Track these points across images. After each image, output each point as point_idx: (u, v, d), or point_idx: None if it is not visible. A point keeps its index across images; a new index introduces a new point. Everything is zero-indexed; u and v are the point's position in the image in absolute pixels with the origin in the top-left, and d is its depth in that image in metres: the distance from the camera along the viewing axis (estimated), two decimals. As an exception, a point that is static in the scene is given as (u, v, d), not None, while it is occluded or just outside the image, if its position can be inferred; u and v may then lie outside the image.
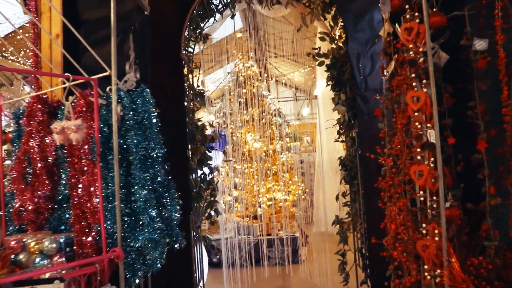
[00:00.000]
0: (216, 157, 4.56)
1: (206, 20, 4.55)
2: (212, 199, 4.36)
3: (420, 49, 2.17)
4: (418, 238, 2.25)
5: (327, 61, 4.35)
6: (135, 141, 2.13)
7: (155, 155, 2.15)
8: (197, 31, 4.36)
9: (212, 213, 4.49)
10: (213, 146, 4.35)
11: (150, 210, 2.12)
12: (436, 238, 2.08)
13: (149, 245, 2.10)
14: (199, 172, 4.36)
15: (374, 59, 3.99)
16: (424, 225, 2.12)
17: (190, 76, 4.51)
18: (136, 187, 2.11)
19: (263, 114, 7.51)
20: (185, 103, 4.21)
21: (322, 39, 4.50)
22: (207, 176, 4.40)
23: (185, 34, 4.27)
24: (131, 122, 2.15)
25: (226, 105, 7.70)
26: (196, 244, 4.20)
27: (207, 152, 4.32)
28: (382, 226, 2.46)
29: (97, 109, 2.20)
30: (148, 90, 2.22)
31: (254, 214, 7.32)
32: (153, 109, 2.19)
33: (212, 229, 7.45)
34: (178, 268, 3.46)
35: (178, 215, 2.23)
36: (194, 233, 4.18)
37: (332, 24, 4.25)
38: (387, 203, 2.55)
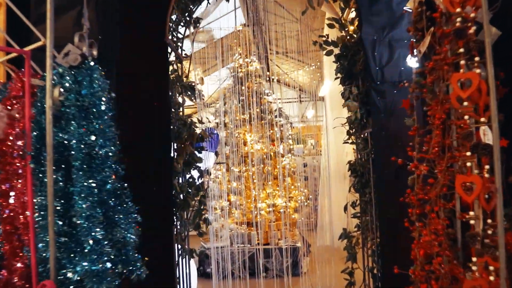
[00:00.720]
0: (207, 159, 3.98)
1: (198, 3, 3.97)
2: (201, 206, 3.77)
3: (472, 15, 1.58)
4: (459, 272, 1.66)
5: (336, 51, 3.77)
6: (77, 135, 1.55)
7: (103, 155, 1.57)
8: (186, 14, 3.78)
9: (205, 223, 3.90)
10: (203, 146, 3.77)
11: (95, 229, 1.54)
12: (491, 277, 1.48)
13: (93, 277, 1.52)
14: (187, 176, 3.78)
15: (393, 46, 3.40)
16: (474, 258, 1.52)
17: (179, 66, 3.94)
18: (77, 197, 1.54)
19: (263, 114, 6.93)
20: (172, 96, 3.64)
21: (330, 26, 3.91)
22: (196, 180, 3.82)
23: (172, 17, 3.70)
24: (73, 109, 1.58)
25: (224, 103, 7.14)
26: (182, 258, 3.62)
27: (196, 152, 3.74)
28: (413, 256, 1.86)
29: (29, 91, 1.63)
30: (98, 67, 1.63)
31: (251, 221, 6.73)
32: (104, 93, 1.61)
33: (207, 236, 6.86)
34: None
35: (135, 237, 1.65)
36: (179, 246, 3.60)
37: (343, 6, 3.66)
38: (415, 223, 1.96)
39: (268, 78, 7.74)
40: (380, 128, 3.31)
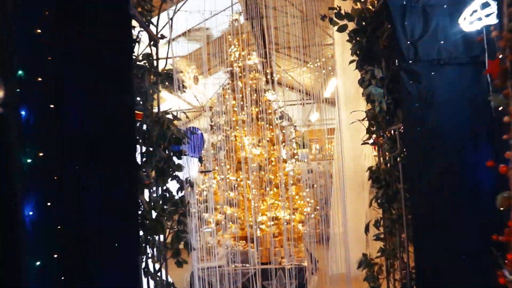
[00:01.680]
0: (190, 166, 3.14)
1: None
2: (181, 227, 2.94)
3: None
4: None
5: (352, 25, 2.95)
6: None
7: None
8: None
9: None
10: (183, 150, 2.94)
11: None
12: None
13: None
14: (163, 188, 2.95)
15: (428, 14, 2.55)
16: None
17: (153, 50, 3.14)
18: None
19: (262, 114, 6.09)
20: (141, 86, 2.83)
21: (342, -5, 3.10)
22: (176, 194, 3.00)
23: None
24: None
25: (221, 103, 6.32)
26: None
27: (175, 158, 2.92)
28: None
29: None
30: None
31: (251, 236, 5.87)
32: None
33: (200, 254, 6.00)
34: None
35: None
36: (152, 281, 2.77)
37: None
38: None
39: (267, 75, 6.92)
40: (414, 123, 2.47)
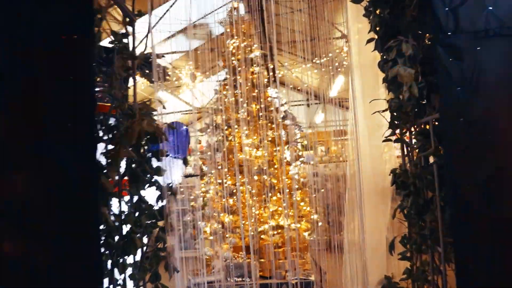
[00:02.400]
0: (170, 169, 2.57)
1: None
2: (159, 245, 2.39)
3: None
4: None
5: (369, -5, 2.39)
6: None
7: None
8: None
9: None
10: (163, 150, 2.39)
11: None
12: None
13: None
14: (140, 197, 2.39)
15: (472, -28, 2.03)
16: None
17: (128, 29, 2.59)
18: None
19: (263, 112, 5.53)
20: (108, 70, 2.28)
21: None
22: (154, 204, 2.44)
23: None
24: None
25: (218, 99, 5.78)
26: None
27: (150, 159, 2.37)
28: None
29: None
30: None
31: (252, 247, 5.29)
32: None
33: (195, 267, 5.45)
34: None
35: None
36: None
37: None
38: None
39: (269, 70, 6.35)
40: (455, 113, 1.90)
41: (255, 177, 5.30)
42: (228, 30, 6.05)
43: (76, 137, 1.87)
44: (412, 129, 2.27)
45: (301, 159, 5.88)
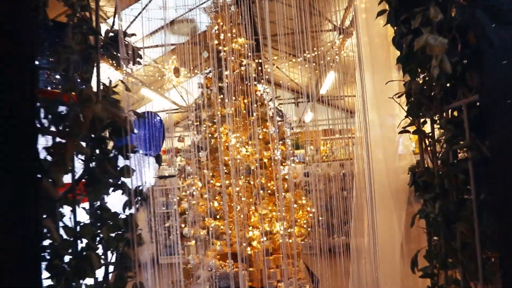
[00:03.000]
0: (141, 168, 2.09)
1: None
2: (126, 263, 1.92)
3: None
4: None
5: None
6: None
7: None
8: None
9: None
10: (131, 145, 1.92)
11: None
12: None
13: None
14: (100, 204, 1.92)
15: None
16: None
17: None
18: None
19: (252, 106, 5.08)
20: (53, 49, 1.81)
21: None
22: (120, 212, 1.98)
23: None
24: None
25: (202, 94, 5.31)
26: None
27: (116, 157, 1.90)
28: None
29: None
30: None
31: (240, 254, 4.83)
32: None
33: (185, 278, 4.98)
34: None
35: None
36: None
37: None
38: None
39: (257, 64, 5.91)
40: (500, 93, 1.49)
41: (242, 178, 4.85)
42: (214, 19, 5.59)
43: (8, 128, 1.39)
44: (436, 118, 1.85)
45: (293, 158, 5.45)
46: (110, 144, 1.97)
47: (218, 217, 4.72)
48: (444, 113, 1.77)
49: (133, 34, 2.44)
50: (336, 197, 4.84)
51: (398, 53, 2.01)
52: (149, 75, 10.08)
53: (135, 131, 2.10)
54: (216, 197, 4.76)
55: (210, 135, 4.82)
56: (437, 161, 1.90)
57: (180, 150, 7.20)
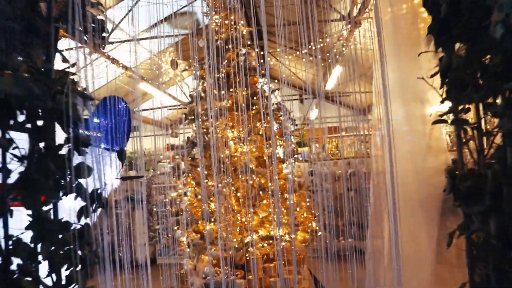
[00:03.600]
0: (101, 166, 1.66)
1: None
2: (87, 277, 1.48)
3: None
4: None
5: None
6: None
7: None
8: None
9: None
10: (85, 138, 1.48)
11: None
12: None
13: None
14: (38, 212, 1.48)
15: None
16: None
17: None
18: None
19: (252, 99, 4.64)
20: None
21: None
22: (78, 221, 1.54)
23: None
24: None
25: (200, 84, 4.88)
26: None
27: (61, 152, 1.46)
28: None
29: None
30: None
31: (239, 262, 4.39)
32: None
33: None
34: None
35: None
36: None
37: None
38: None
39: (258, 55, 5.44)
40: None
41: (241, 177, 4.40)
42: (210, 4, 5.13)
43: None
44: (487, 102, 1.39)
45: (296, 156, 4.99)
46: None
47: (212, 220, 4.27)
48: (500, 96, 1.30)
49: (98, 3, 1.99)
50: (342, 198, 4.38)
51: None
52: (147, 69, 9.64)
53: (96, 120, 1.66)
54: (211, 198, 4.32)
55: (205, 129, 4.37)
56: (484, 160, 1.43)
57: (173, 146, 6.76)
